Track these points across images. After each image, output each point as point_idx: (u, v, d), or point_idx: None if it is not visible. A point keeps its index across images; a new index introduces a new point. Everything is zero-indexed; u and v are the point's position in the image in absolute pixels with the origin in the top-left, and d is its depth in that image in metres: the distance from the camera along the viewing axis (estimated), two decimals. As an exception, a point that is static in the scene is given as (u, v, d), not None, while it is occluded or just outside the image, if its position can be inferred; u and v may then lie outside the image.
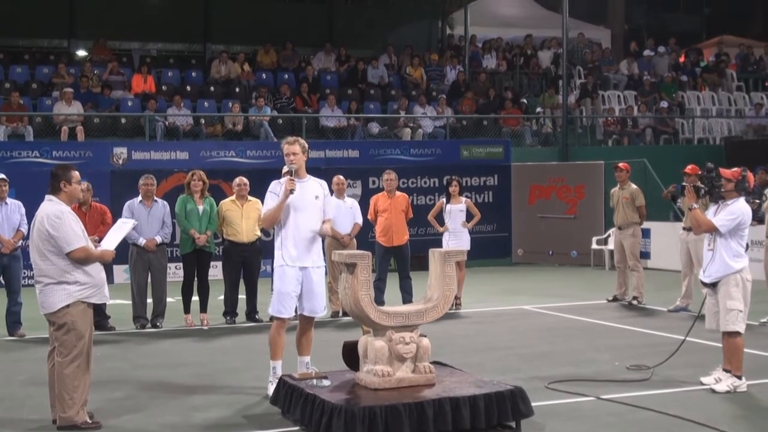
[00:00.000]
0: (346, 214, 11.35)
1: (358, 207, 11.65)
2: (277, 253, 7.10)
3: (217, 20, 23.02)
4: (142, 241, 10.58)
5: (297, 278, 7.03)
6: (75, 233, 6.25)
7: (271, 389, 6.95)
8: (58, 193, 6.41)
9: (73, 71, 19.40)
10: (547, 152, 20.06)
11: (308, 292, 7.08)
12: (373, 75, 21.57)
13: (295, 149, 7.13)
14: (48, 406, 6.46)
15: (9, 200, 10.29)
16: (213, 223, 10.81)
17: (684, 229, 11.43)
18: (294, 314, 7.21)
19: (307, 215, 7.08)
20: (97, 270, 6.39)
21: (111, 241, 6.58)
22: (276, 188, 7.12)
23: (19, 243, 10.28)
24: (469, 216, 12.39)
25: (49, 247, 6.21)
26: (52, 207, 6.31)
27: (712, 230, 7.22)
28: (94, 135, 17.29)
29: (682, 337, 8.09)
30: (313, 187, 7.23)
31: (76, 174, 6.49)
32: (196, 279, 10.85)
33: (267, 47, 21.71)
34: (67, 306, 6.21)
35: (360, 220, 11.52)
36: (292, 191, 7.01)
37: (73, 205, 7.08)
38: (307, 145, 7.28)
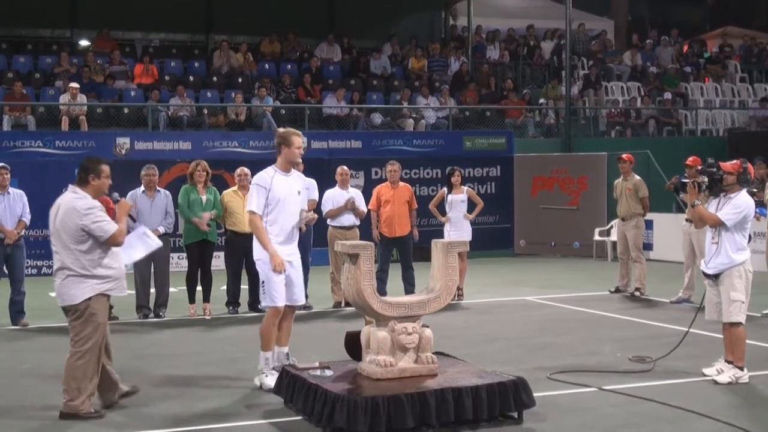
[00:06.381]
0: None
1: (362, 197, 11.67)
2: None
3: (220, 10, 22.98)
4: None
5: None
6: (107, 220, 6.24)
7: (267, 381, 6.98)
8: (85, 185, 6.33)
9: (76, 61, 19.39)
10: (549, 143, 20.04)
11: (289, 283, 7.14)
12: (376, 66, 21.52)
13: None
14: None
15: (11, 189, 10.26)
16: (217, 212, 10.83)
17: (687, 220, 11.40)
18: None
19: (290, 208, 7.17)
20: (118, 262, 6.40)
21: (132, 255, 6.64)
22: (264, 181, 7.09)
23: (22, 233, 10.29)
24: (471, 206, 12.37)
25: (76, 240, 6.17)
26: (79, 202, 6.22)
27: (718, 225, 7.21)
28: (96, 125, 17.28)
29: (684, 329, 8.08)
30: (297, 182, 7.33)
31: (106, 168, 6.43)
32: (199, 269, 10.86)
33: (271, 38, 21.67)
34: (89, 298, 6.21)
35: (364, 209, 11.56)
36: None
37: None
38: None
